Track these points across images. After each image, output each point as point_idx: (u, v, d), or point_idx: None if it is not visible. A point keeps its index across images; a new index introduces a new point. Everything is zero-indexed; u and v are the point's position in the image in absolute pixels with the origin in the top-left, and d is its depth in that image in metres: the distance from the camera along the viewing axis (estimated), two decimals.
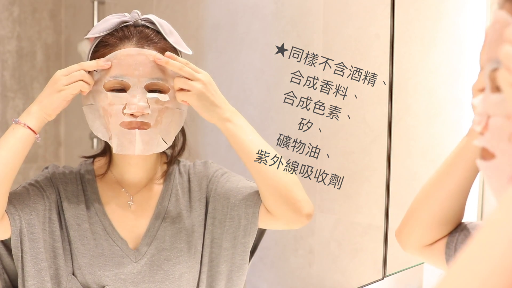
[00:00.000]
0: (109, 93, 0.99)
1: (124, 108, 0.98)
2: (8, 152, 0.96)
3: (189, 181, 1.14)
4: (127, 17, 1.02)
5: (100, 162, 1.13)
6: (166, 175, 1.14)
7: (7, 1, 2.36)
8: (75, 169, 1.12)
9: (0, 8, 2.34)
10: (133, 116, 0.98)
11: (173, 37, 1.03)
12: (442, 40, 1.39)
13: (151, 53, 0.99)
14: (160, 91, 1.00)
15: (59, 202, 1.07)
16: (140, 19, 1.03)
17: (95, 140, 2.14)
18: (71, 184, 1.09)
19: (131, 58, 0.98)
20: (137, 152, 1.00)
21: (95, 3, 2.28)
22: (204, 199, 1.13)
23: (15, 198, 1.00)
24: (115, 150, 1.00)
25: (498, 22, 0.52)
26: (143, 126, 0.99)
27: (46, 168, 1.12)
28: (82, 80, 0.97)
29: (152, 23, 1.03)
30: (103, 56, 1.00)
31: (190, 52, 1.05)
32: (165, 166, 1.14)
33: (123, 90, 0.99)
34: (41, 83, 2.45)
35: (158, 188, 1.13)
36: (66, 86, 0.97)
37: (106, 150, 1.11)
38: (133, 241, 1.09)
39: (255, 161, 1.02)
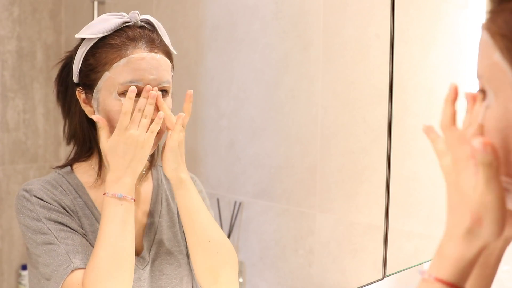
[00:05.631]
0: (124, 98, 0.97)
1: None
2: (131, 232, 0.96)
3: None
4: (126, 17, 1.00)
5: (82, 168, 1.08)
6: (153, 178, 1.13)
7: (7, 1, 2.36)
8: (53, 181, 1.05)
9: (0, 8, 2.34)
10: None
11: (167, 39, 1.04)
12: (442, 40, 1.39)
13: (161, 58, 1.00)
14: (166, 92, 1.02)
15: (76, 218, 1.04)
16: (140, 20, 1.02)
17: None
18: (65, 199, 1.03)
19: (145, 62, 0.97)
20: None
21: (95, 3, 2.28)
22: None
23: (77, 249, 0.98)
24: None
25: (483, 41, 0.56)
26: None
27: (28, 201, 1.01)
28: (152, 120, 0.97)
29: (151, 24, 1.03)
30: (107, 57, 0.98)
31: (175, 53, 1.06)
32: (147, 167, 1.13)
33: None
34: (41, 83, 2.45)
35: (147, 191, 1.12)
36: (148, 139, 0.96)
37: (92, 155, 1.07)
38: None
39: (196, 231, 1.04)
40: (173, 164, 1.01)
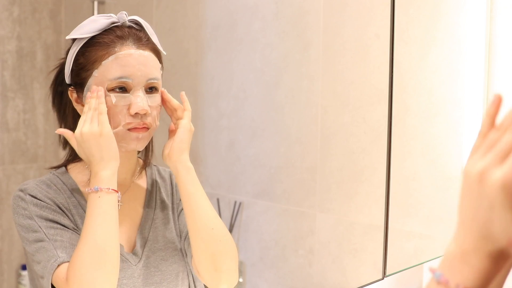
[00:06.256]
0: (113, 94, 0.99)
1: (129, 108, 0.99)
2: (113, 223, 0.96)
3: (171, 184, 1.17)
4: (114, 17, 1.03)
5: (77, 168, 1.09)
6: (148, 177, 1.15)
7: (7, 1, 2.36)
8: (47, 181, 1.06)
9: (0, 8, 2.34)
10: (138, 114, 1.00)
11: (155, 39, 1.05)
12: (442, 40, 1.39)
13: (150, 55, 1.02)
14: (155, 89, 1.03)
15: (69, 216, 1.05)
16: (128, 20, 1.04)
17: None
18: (60, 197, 1.05)
19: (133, 58, 0.99)
20: (138, 148, 1.03)
21: (95, 3, 2.28)
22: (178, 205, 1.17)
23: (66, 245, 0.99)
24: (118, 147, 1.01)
25: None
26: (146, 128, 1.01)
27: (23, 200, 1.03)
28: (101, 109, 0.98)
29: (139, 24, 1.05)
30: (96, 54, 1.00)
31: (164, 53, 1.08)
32: (141, 165, 1.15)
33: (124, 90, 1.00)
34: (41, 83, 2.45)
35: (141, 189, 1.13)
36: (100, 126, 0.97)
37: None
38: (127, 243, 1.08)
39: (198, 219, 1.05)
40: (180, 150, 1.04)
